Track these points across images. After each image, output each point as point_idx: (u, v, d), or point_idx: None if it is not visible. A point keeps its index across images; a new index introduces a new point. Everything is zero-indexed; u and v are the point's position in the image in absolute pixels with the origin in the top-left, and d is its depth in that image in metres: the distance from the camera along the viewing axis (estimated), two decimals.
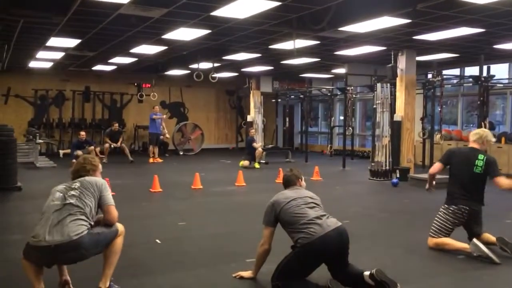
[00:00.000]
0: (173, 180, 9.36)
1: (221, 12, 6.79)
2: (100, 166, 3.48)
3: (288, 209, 3.42)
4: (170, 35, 8.64)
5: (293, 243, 3.37)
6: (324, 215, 3.43)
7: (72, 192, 3.15)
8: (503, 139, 11.05)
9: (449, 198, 4.47)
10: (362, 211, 6.75)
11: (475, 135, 4.53)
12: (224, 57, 11.41)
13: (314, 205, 3.51)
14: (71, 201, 3.11)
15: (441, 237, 4.44)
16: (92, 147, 11.57)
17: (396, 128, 10.05)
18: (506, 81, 11.52)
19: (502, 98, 12.65)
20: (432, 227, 4.51)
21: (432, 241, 4.48)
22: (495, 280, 3.81)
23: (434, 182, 4.71)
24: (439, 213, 4.51)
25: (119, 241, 3.25)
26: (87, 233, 3.04)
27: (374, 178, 9.67)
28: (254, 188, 8.43)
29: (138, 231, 5.25)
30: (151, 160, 12.76)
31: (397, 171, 9.67)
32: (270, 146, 15.21)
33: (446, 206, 4.46)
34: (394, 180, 8.91)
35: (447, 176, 4.56)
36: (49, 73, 14.62)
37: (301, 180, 3.80)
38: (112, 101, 15.98)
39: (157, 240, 4.79)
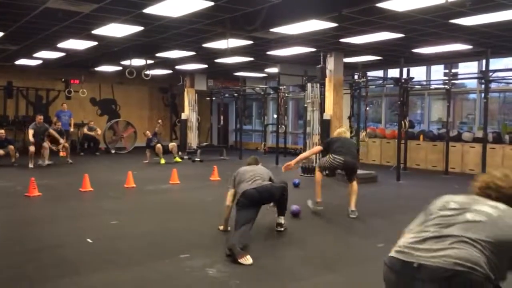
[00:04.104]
0: (105, 179, 9.15)
1: (154, 9, 6.77)
2: None
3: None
4: (100, 31, 8.44)
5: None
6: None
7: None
8: (421, 137, 11.91)
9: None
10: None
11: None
12: (157, 54, 11.29)
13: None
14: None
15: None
16: (12, 147, 10.86)
17: (325, 126, 10.52)
18: (424, 83, 12.41)
19: (421, 98, 13.63)
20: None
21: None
22: None
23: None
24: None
25: None
26: None
27: (305, 175, 10.05)
28: (188, 186, 8.44)
29: (68, 231, 5.14)
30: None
31: None
32: (204, 144, 15.25)
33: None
34: (295, 180, 8.59)
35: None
36: None
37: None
38: (37, 97, 15.19)
39: (89, 240, 4.72)
